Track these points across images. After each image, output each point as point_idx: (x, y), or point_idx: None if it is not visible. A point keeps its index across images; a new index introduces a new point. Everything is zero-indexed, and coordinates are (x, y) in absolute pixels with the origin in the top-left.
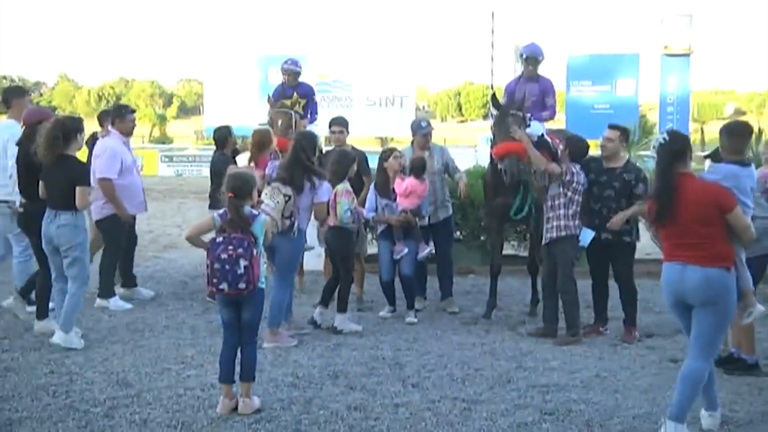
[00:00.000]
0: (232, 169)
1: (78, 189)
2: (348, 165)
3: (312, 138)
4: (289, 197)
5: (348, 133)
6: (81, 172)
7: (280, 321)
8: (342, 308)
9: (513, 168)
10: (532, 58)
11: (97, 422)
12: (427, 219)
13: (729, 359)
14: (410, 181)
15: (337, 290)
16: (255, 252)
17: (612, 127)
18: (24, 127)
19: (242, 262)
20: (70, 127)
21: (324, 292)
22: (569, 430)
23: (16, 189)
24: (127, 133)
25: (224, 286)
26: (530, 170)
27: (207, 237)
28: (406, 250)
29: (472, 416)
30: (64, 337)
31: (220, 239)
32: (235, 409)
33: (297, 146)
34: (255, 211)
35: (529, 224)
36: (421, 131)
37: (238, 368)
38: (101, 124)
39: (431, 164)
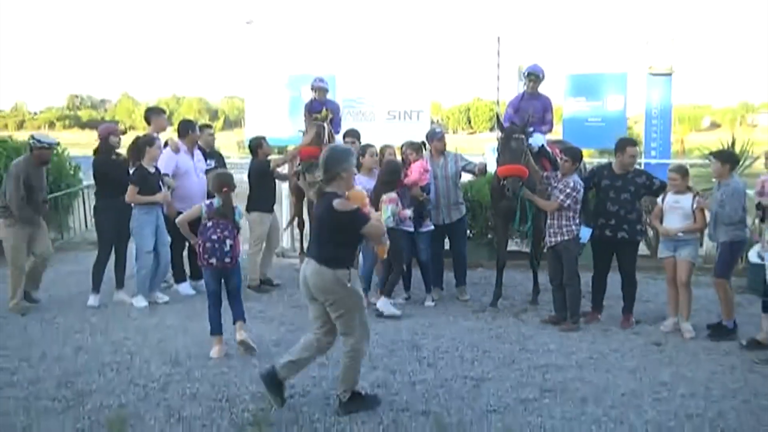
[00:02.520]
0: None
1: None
2: (399, 176)
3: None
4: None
5: (360, 143)
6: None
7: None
8: (387, 293)
9: (514, 186)
10: (533, 74)
11: (154, 395)
12: (443, 220)
13: (719, 327)
14: (417, 164)
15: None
16: (237, 234)
17: (634, 143)
18: (98, 140)
19: (228, 242)
20: (141, 143)
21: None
22: (566, 405)
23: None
24: (188, 143)
25: (213, 260)
26: (530, 186)
27: None
28: (408, 212)
29: (480, 392)
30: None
31: (210, 224)
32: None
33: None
34: (235, 204)
35: (529, 227)
36: (436, 136)
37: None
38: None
39: (446, 169)
